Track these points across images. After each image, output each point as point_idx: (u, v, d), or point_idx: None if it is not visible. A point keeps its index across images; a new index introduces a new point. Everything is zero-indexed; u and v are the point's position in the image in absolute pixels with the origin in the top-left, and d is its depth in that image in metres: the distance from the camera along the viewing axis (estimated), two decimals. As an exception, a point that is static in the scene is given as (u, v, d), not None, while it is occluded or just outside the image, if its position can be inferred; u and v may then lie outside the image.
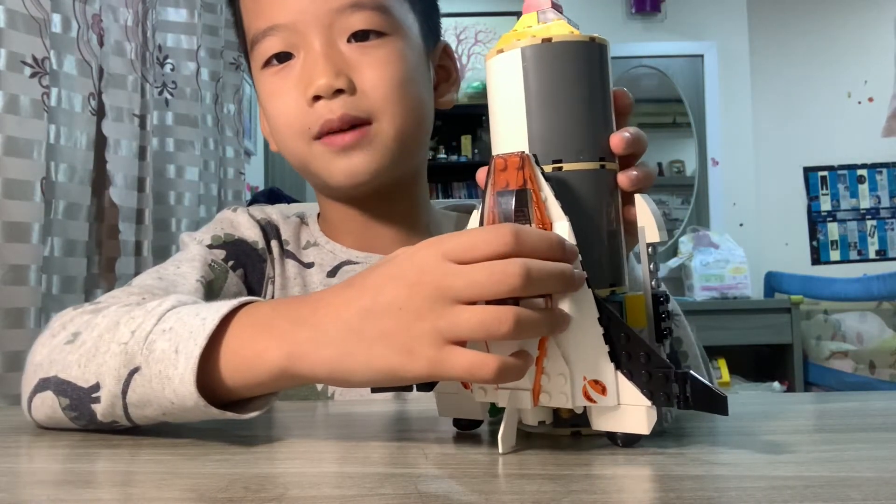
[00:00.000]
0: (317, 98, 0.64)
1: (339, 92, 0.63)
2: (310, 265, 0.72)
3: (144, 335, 0.45)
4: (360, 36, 0.65)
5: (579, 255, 0.41)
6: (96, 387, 0.47)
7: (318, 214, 0.78)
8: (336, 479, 0.37)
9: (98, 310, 0.53)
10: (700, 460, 0.40)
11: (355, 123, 0.64)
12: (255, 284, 0.70)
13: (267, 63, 0.67)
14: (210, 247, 0.69)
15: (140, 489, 0.37)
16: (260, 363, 0.43)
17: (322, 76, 0.63)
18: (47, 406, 0.50)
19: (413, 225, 0.73)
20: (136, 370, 0.45)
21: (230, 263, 0.68)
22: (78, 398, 0.48)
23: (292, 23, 0.65)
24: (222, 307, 0.45)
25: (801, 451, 0.42)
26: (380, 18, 0.65)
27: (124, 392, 0.45)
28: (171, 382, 0.43)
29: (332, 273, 0.70)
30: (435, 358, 0.38)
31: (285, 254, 0.72)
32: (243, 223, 0.72)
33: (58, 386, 0.49)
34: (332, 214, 0.74)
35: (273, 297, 0.70)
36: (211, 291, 0.65)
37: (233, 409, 0.44)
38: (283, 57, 0.67)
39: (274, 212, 0.76)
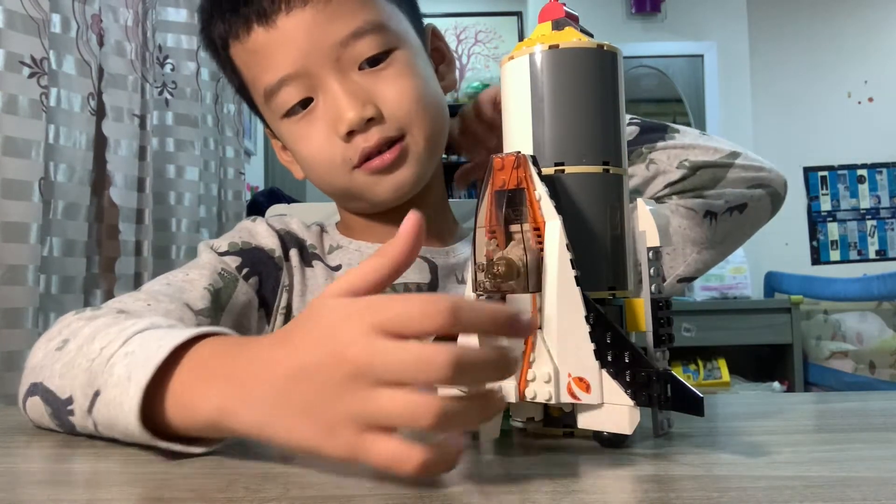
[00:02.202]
0: (350, 133, 0.65)
1: (370, 121, 0.64)
2: (337, 268, 0.72)
3: (108, 356, 0.45)
4: (370, 61, 0.66)
5: (539, 327, 0.42)
6: (70, 400, 0.47)
7: (337, 223, 0.79)
8: (336, 479, 0.37)
9: (95, 316, 0.53)
10: (700, 460, 0.40)
11: (389, 144, 0.66)
12: (268, 293, 0.70)
13: (288, 113, 0.68)
14: (225, 254, 0.69)
15: (140, 489, 0.37)
16: (194, 412, 0.41)
17: (349, 110, 0.64)
18: (36, 411, 0.51)
19: (435, 220, 0.74)
20: (97, 393, 0.44)
21: (244, 271, 0.68)
22: (58, 408, 0.48)
23: (303, 67, 0.65)
24: (179, 336, 0.43)
25: (801, 451, 0.42)
26: (382, 38, 0.66)
27: (90, 411, 0.45)
28: (123, 410, 0.42)
29: None
30: (355, 444, 0.35)
31: (313, 257, 0.72)
32: (261, 232, 0.72)
33: (44, 393, 0.49)
34: (356, 223, 0.76)
35: (289, 305, 0.70)
36: (219, 299, 0.65)
37: (184, 442, 0.43)
38: (304, 102, 0.67)
39: (294, 222, 0.76)
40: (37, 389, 0.50)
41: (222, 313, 0.66)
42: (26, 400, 0.51)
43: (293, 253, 0.72)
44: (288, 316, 0.70)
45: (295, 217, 0.78)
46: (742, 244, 0.76)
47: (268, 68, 0.66)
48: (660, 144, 0.70)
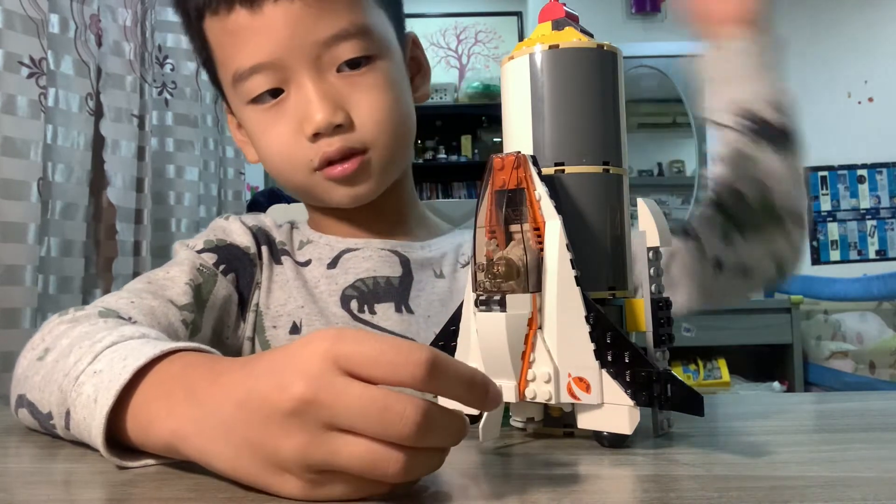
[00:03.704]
0: (317, 135, 0.64)
1: (337, 127, 0.64)
2: (306, 263, 0.72)
3: (76, 375, 0.44)
4: (350, 63, 0.65)
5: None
6: (50, 415, 0.47)
7: (308, 220, 0.79)
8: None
9: (76, 321, 0.53)
10: (700, 460, 0.40)
11: (351, 154, 0.65)
12: (244, 289, 0.70)
13: (255, 100, 0.67)
14: (201, 251, 0.69)
15: (140, 489, 0.37)
16: (150, 431, 0.39)
17: (319, 112, 0.63)
18: (28, 421, 0.51)
19: (404, 218, 0.75)
20: (68, 412, 0.44)
21: (221, 268, 0.68)
22: (42, 421, 0.48)
23: (279, 59, 0.64)
24: (144, 355, 0.41)
25: (801, 451, 0.42)
26: (366, 43, 0.65)
27: (67, 427, 0.45)
28: (91, 433, 0.41)
29: (333, 264, 0.71)
30: (308, 487, 0.33)
31: (282, 253, 0.72)
32: (235, 230, 0.72)
33: (28, 406, 0.49)
34: (323, 221, 0.75)
35: (258, 303, 0.70)
36: (200, 295, 0.65)
37: (151, 456, 0.41)
38: (274, 92, 0.66)
39: (267, 219, 0.76)
40: (23, 402, 0.50)
41: (205, 309, 0.65)
42: (17, 411, 0.52)
43: (264, 249, 0.72)
44: (258, 313, 0.69)
45: (269, 215, 0.78)
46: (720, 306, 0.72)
47: (243, 52, 0.65)
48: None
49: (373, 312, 0.68)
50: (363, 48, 0.65)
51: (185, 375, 0.40)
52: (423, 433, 0.31)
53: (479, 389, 0.33)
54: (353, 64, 0.65)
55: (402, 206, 0.75)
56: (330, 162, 0.65)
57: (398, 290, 0.69)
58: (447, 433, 0.33)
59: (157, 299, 0.62)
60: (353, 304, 0.69)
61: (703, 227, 0.65)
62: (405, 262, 0.71)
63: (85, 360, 0.44)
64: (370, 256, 0.71)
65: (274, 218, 0.77)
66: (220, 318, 0.68)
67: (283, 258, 0.72)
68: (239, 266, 0.70)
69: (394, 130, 0.67)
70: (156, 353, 0.41)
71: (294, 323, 0.68)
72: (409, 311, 0.69)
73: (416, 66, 0.76)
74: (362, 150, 0.66)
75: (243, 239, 0.71)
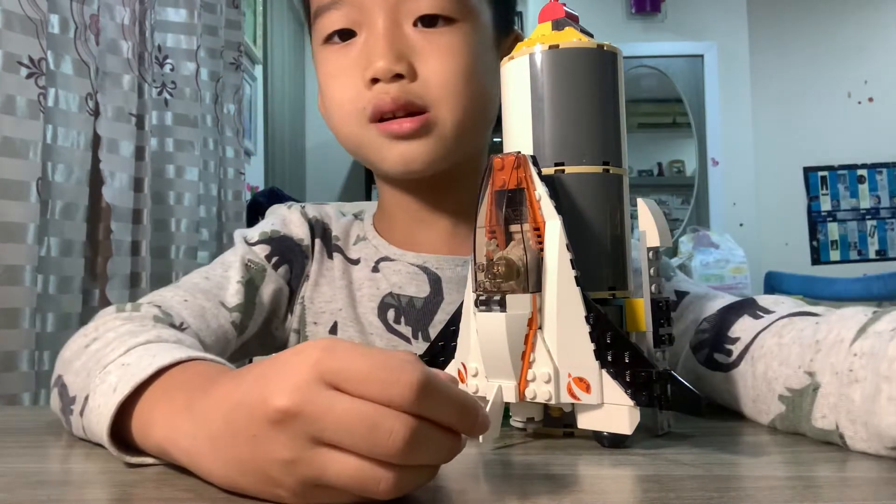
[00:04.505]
0: (374, 81, 0.61)
1: (397, 77, 0.60)
2: (356, 261, 0.70)
3: (105, 364, 0.45)
4: (427, 21, 0.62)
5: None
6: (74, 399, 0.47)
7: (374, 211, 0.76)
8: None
9: (130, 319, 0.54)
10: (700, 460, 0.40)
11: (410, 111, 0.61)
12: (294, 281, 0.69)
13: (328, 39, 0.64)
14: (255, 244, 0.68)
15: (140, 489, 0.37)
16: (148, 433, 0.40)
17: (382, 58, 0.60)
18: (55, 403, 0.51)
19: (464, 222, 0.69)
20: (87, 398, 0.44)
21: (274, 260, 0.68)
22: (65, 405, 0.48)
23: None
24: (169, 357, 0.42)
25: (800, 451, 0.42)
26: (450, 2, 0.62)
27: (81, 413, 0.45)
28: (101, 419, 0.42)
29: (375, 269, 0.69)
30: (303, 498, 0.32)
31: (334, 249, 0.71)
32: (294, 220, 0.71)
33: (61, 387, 0.50)
34: (386, 200, 0.72)
35: (304, 296, 0.69)
36: (250, 292, 0.65)
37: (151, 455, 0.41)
38: (345, 34, 0.64)
39: (330, 209, 0.75)
40: (59, 382, 0.51)
41: (254, 307, 0.65)
42: (52, 390, 0.52)
43: (318, 242, 0.71)
44: (304, 306, 0.69)
45: (336, 205, 0.76)
46: None
47: None
48: None
49: (408, 325, 0.66)
50: (445, 7, 0.62)
51: (187, 383, 0.40)
52: (412, 451, 0.30)
53: (469, 414, 0.32)
54: (431, 22, 0.62)
55: (467, 205, 0.70)
56: (383, 117, 0.61)
57: (420, 313, 0.66)
58: (438, 451, 0.32)
59: (210, 300, 0.62)
60: (391, 314, 0.67)
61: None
62: (435, 281, 0.67)
63: (118, 351, 0.45)
64: (399, 271, 0.68)
65: (341, 208, 0.76)
66: (272, 312, 0.67)
67: (335, 254, 0.71)
68: (292, 258, 0.69)
69: (462, 98, 0.62)
70: (183, 357, 0.42)
71: (335, 322, 0.67)
72: (427, 339, 0.65)
73: None
74: (422, 108, 0.61)
75: (299, 230, 0.70)
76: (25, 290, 1.03)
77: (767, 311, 0.51)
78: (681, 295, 0.61)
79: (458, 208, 0.69)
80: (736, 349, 0.50)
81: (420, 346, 0.64)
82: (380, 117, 0.62)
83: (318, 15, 0.65)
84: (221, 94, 1.76)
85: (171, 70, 1.56)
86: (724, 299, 0.57)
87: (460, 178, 0.67)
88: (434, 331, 0.65)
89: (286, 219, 0.72)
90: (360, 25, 0.63)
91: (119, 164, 1.33)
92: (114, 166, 1.32)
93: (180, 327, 0.58)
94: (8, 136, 1.02)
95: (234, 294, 0.64)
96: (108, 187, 1.30)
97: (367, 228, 0.73)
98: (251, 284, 0.66)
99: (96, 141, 1.27)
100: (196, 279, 0.64)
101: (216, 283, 0.64)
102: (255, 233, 0.70)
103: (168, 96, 1.55)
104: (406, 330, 0.66)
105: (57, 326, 1.15)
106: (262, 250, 0.68)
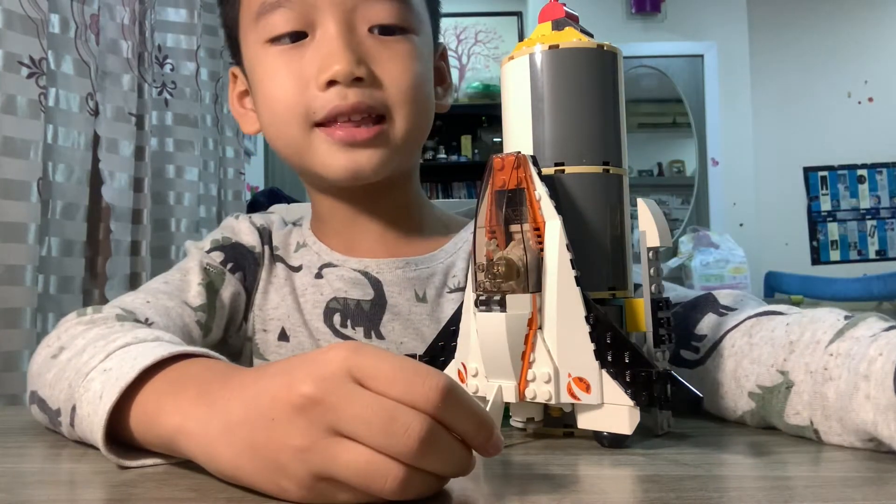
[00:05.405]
0: (331, 83, 0.59)
1: (356, 80, 0.59)
2: (298, 268, 0.71)
3: (86, 372, 0.44)
4: (383, 29, 0.61)
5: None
6: (58, 412, 0.47)
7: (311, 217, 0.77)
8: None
9: (93, 323, 0.53)
10: (700, 460, 0.40)
11: (370, 115, 0.60)
12: (250, 287, 0.69)
13: (276, 39, 0.62)
14: (210, 251, 0.69)
15: (140, 489, 0.37)
16: (155, 423, 0.39)
17: (341, 62, 0.58)
18: (39, 418, 0.51)
19: (401, 224, 0.70)
20: (74, 408, 0.44)
21: (229, 266, 0.68)
22: (51, 418, 0.48)
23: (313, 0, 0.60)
24: (153, 355, 0.42)
25: (800, 451, 0.42)
26: (404, 13, 0.62)
27: (72, 425, 0.45)
28: (93, 428, 0.41)
29: (318, 275, 0.69)
30: (306, 493, 0.32)
31: (275, 258, 0.71)
32: (243, 229, 0.72)
33: (39, 402, 0.50)
34: (320, 207, 0.72)
35: (255, 303, 0.69)
36: (211, 295, 0.65)
37: (151, 456, 0.41)
38: (295, 35, 0.62)
39: (276, 217, 0.75)
40: (34, 398, 0.51)
41: (216, 309, 0.65)
42: (30, 406, 0.52)
43: (266, 249, 0.71)
44: (254, 314, 0.69)
45: (280, 213, 0.76)
46: None
47: None
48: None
49: (354, 329, 0.67)
50: (400, 17, 0.62)
51: (200, 376, 0.40)
52: (425, 451, 0.30)
53: (485, 430, 0.32)
54: (387, 31, 0.62)
55: (401, 212, 0.70)
56: (336, 121, 0.60)
57: (368, 315, 0.67)
58: (448, 460, 0.32)
59: (172, 300, 0.62)
60: (337, 319, 0.67)
61: None
62: (376, 285, 0.67)
63: (96, 358, 0.45)
64: (342, 276, 0.68)
65: (284, 216, 0.76)
66: (231, 318, 0.68)
67: (277, 262, 0.71)
68: (245, 264, 0.69)
69: (416, 105, 0.62)
70: (165, 354, 0.42)
71: (283, 329, 0.68)
72: (380, 336, 0.66)
73: (440, 76, 0.73)
74: (381, 116, 0.61)
75: (250, 238, 0.71)
76: (26, 289, 1.03)
77: (730, 309, 0.52)
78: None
79: (394, 211, 0.69)
80: (703, 346, 0.51)
81: (376, 346, 0.64)
82: (328, 122, 0.60)
83: (262, 14, 0.62)
84: (221, 94, 1.75)
85: (171, 70, 1.56)
86: (677, 292, 0.57)
87: (396, 182, 0.67)
88: (385, 330, 0.66)
89: (235, 228, 0.72)
90: (313, 26, 0.61)
91: (119, 164, 1.33)
92: (113, 166, 1.32)
93: (146, 323, 0.57)
94: (9, 136, 1.02)
95: (196, 295, 0.64)
96: (107, 187, 1.30)
97: (307, 234, 0.73)
98: (211, 287, 0.66)
99: (96, 141, 1.27)
100: (155, 285, 0.64)
101: (177, 287, 0.64)
102: (206, 242, 0.70)
103: (168, 96, 1.55)
104: (356, 332, 0.66)
105: (57, 326, 1.15)
106: (217, 256, 0.68)
